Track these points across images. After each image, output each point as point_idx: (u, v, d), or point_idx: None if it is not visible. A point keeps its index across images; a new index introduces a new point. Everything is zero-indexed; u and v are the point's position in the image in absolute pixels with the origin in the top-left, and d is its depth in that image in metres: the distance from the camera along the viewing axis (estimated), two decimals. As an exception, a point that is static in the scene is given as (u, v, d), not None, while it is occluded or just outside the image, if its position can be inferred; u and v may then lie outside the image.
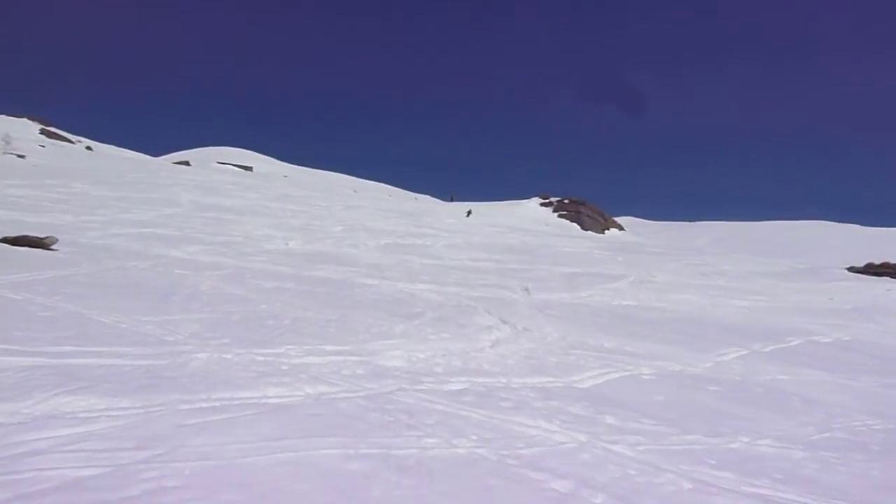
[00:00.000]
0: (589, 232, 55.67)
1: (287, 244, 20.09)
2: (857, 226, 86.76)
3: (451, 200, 58.97)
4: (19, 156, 33.11)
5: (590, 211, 61.30)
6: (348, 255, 19.57)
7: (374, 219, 32.75)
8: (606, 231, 58.94)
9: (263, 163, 68.50)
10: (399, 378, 6.78)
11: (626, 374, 8.36)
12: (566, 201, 64.89)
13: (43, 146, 42.07)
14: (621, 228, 63.46)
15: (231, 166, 60.06)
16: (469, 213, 58.25)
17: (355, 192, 53.97)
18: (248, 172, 56.60)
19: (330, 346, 7.79)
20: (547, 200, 66.65)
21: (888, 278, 26.70)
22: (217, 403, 5.40)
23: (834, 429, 6.89)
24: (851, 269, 28.91)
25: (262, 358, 6.92)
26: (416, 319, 10.51)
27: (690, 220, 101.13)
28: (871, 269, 28.35)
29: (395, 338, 8.86)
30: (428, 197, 65.57)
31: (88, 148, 49.92)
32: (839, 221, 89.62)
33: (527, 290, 16.12)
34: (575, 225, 57.85)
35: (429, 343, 8.82)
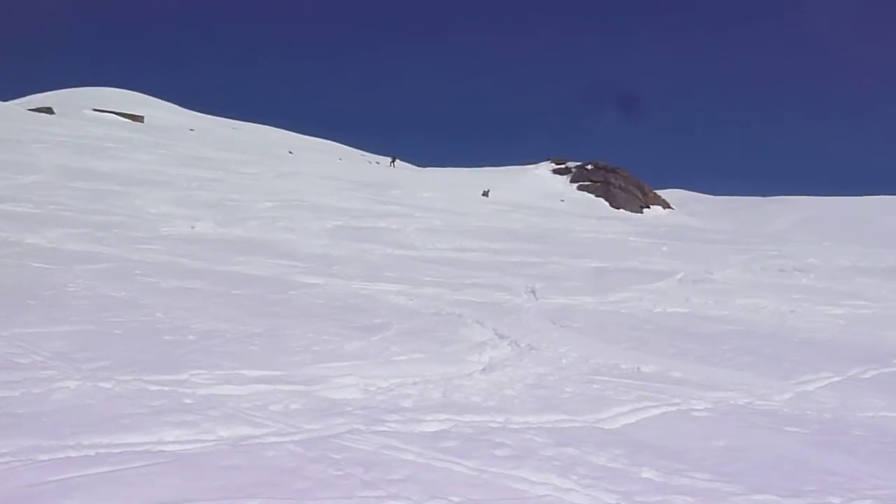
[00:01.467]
0: (622, 211, 56.05)
1: (193, 227, 19.99)
2: None
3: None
4: None
5: (623, 181, 61.61)
6: (282, 243, 19.51)
7: (319, 191, 32.71)
8: (646, 209, 59.34)
9: (159, 110, 68.09)
10: (351, 415, 6.76)
11: (672, 409, 8.38)
12: (589, 167, 65.08)
13: None
14: (667, 206, 63.89)
15: (112, 115, 59.64)
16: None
17: (292, 153, 53.79)
18: (138, 124, 56.24)
19: (254, 371, 7.74)
20: (563, 166, 66.80)
21: None
22: (91, 452, 5.34)
23: (961, 485, 6.95)
24: None
25: (156, 388, 6.86)
26: (377, 333, 10.49)
27: (764, 195, 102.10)
28: None
29: (348, 359, 8.82)
30: (398, 160, 65.41)
31: None
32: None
33: (534, 292, 16.16)
34: (602, 201, 58.22)
35: (395, 366, 8.79)
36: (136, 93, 74.93)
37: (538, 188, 58.20)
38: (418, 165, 66.81)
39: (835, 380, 10.92)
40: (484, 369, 9.25)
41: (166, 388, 6.89)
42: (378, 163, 62.47)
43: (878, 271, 26.67)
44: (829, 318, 16.91)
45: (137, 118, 59.60)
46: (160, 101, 74.61)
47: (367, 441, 6.12)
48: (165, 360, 7.79)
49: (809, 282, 22.76)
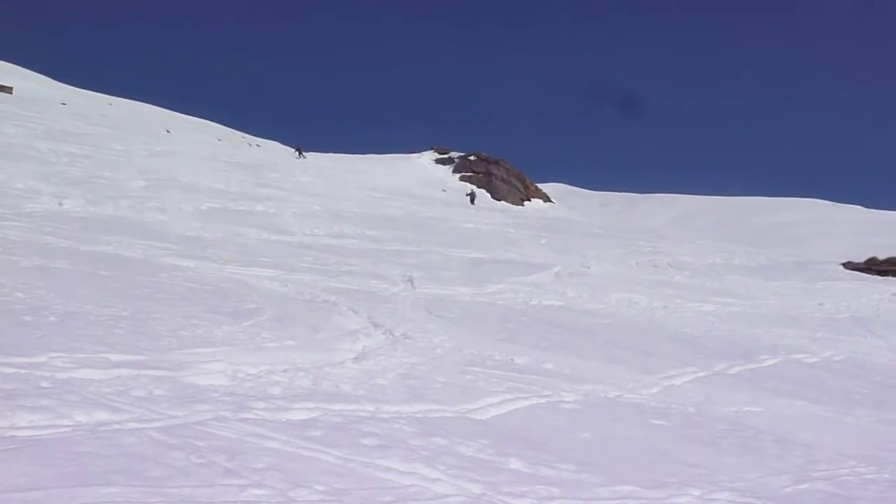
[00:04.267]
0: (502, 202, 56.63)
1: (61, 204, 19.38)
2: (860, 207, 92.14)
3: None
4: None
5: (505, 173, 62.24)
6: (153, 224, 19.09)
7: (194, 171, 32.06)
8: (527, 202, 60.11)
9: (30, 82, 65.59)
10: (217, 402, 6.66)
11: (542, 401, 8.53)
12: (472, 158, 65.52)
13: None
14: (548, 199, 64.83)
15: (-23, 85, 57.15)
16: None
17: (169, 132, 52.57)
18: (6, 94, 54.03)
19: (116, 356, 7.55)
20: (446, 156, 67.07)
21: (894, 278, 28.38)
22: (-64, 437, 5.13)
23: (814, 478, 7.25)
24: (848, 266, 30.60)
25: (11, 370, 6.63)
26: (247, 319, 10.37)
27: (642, 192, 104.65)
28: (874, 266, 30.08)
29: (216, 345, 8.70)
30: (276, 144, 64.69)
31: None
32: (836, 201, 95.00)
33: (410, 281, 16.21)
34: (483, 192, 58.68)
35: (264, 353, 8.71)
36: (4, 62, 71.95)
37: (420, 177, 58.31)
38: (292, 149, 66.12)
39: (701, 374, 11.28)
40: (356, 358, 9.24)
41: (22, 371, 6.65)
42: (259, 146, 61.43)
43: (749, 270, 27.66)
44: (699, 314, 17.46)
45: (6, 89, 57.25)
46: (31, 72, 71.88)
47: (232, 428, 6.03)
48: (22, 342, 7.52)
49: (682, 278, 23.47)
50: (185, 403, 6.51)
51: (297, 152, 55.94)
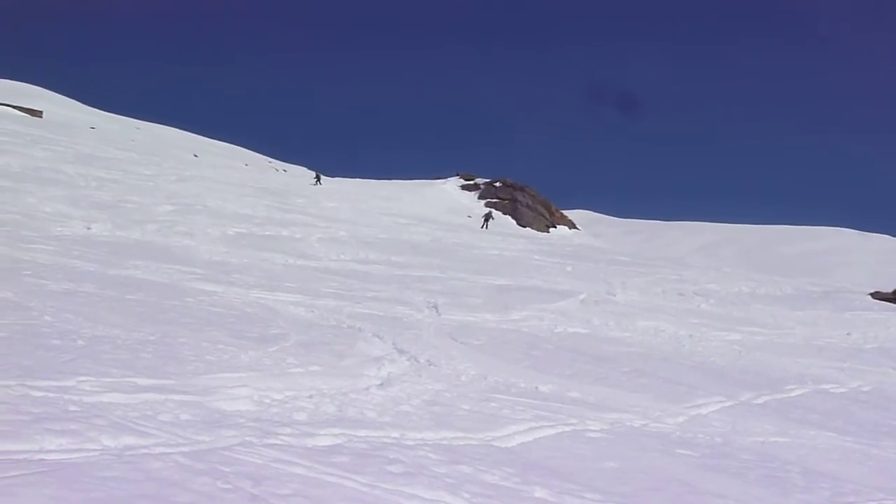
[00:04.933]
0: (527, 229, 56.63)
1: (89, 228, 19.55)
2: (887, 236, 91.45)
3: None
4: None
5: (530, 200, 62.31)
6: (180, 248, 19.21)
7: (221, 196, 32.29)
8: (552, 229, 60.10)
9: (60, 106, 66.46)
10: (243, 428, 6.68)
11: (568, 429, 8.51)
12: (497, 184, 65.67)
13: None
14: (573, 226, 64.82)
15: (9, 108, 57.93)
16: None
17: (196, 156, 53.06)
18: (36, 119, 54.73)
19: (143, 380, 7.59)
20: (471, 182, 67.28)
21: (923, 309, 28.10)
22: (-35, 459, 5.17)
23: (842, 511, 7.21)
24: (876, 296, 30.37)
25: (39, 394, 6.67)
26: (273, 344, 10.40)
27: (668, 220, 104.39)
28: (902, 296, 29.81)
29: (242, 370, 8.73)
30: (302, 169, 65.11)
31: None
32: (864, 230, 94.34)
33: (436, 307, 16.22)
34: (508, 218, 58.73)
35: (290, 378, 8.73)
36: (35, 87, 72.93)
37: (445, 203, 58.47)
38: (325, 175, 66.54)
39: (727, 404, 11.22)
40: (381, 384, 9.25)
41: (51, 395, 6.70)
42: (285, 170, 61.91)
43: (774, 299, 27.49)
44: (725, 343, 17.36)
45: (36, 113, 57.97)
46: (61, 96, 72.80)
47: (258, 454, 6.05)
48: (51, 366, 7.57)
49: (708, 307, 23.35)
50: (211, 428, 6.54)
51: (315, 178, 54.96)
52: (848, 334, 20.60)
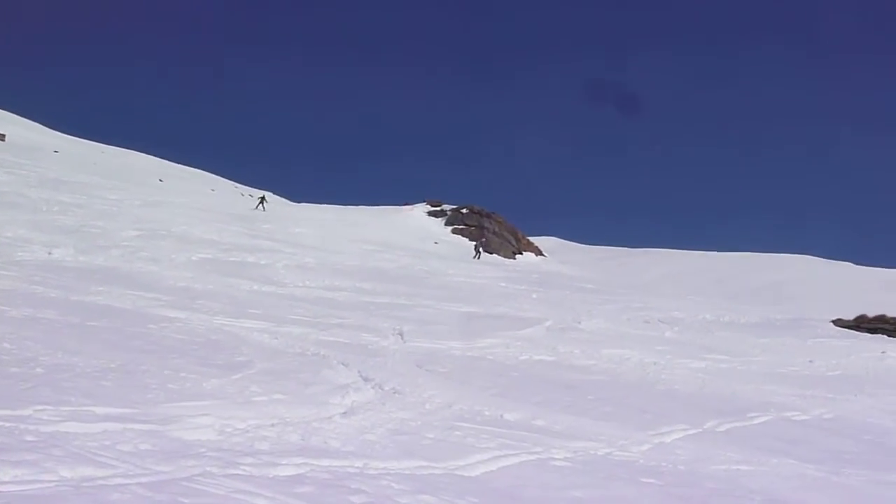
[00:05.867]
0: (495, 256, 56.66)
1: (51, 253, 19.35)
2: (850, 264, 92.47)
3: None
4: None
5: (497, 226, 62.33)
6: (145, 275, 19.05)
7: (187, 221, 32.10)
8: (519, 256, 60.15)
9: (23, 129, 65.78)
10: (205, 458, 6.61)
11: (533, 458, 8.48)
12: (465, 211, 65.78)
13: None
14: (540, 253, 64.88)
15: (-30, 132, 57.31)
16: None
17: (162, 181, 52.73)
18: (-1, 143, 54.16)
19: (103, 409, 7.51)
20: (438, 208, 67.30)
21: (884, 336, 28.45)
22: (-82, 491, 5.08)
23: (805, 540, 7.24)
24: (838, 323, 30.65)
25: (-4, 423, 6.59)
26: (237, 372, 10.32)
27: (635, 247, 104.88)
28: (864, 324, 30.15)
29: (205, 398, 8.65)
30: (269, 194, 64.86)
31: None
32: (828, 258, 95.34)
33: (402, 334, 16.18)
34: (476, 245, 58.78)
35: (253, 407, 8.66)
36: (-4, 109, 72.19)
37: (412, 229, 58.42)
38: (292, 200, 66.28)
39: (691, 432, 11.24)
40: (345, 413, 9.19)
41: (7, 424, 6.61)
42: (251, 195, 61.58)
43: (739, 326, 27.66)
44: (690, 371, 17.42)
45: (-3, 136, 57.45)
46: (24, 119, 72.11)
47: (219, 485, 5.98)
48: (9, 394, 7.48)
49: (673, 334, 23.44)
50: (172, 459, 6.46)
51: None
52: (811, 362, 20.73)
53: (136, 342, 11.28)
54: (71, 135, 69.34)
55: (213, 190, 57.77)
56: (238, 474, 6.33)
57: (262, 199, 49.61)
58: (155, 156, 68.98)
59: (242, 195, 58.87)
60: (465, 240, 58.67)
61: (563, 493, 7.40)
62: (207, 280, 19.85)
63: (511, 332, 19.01)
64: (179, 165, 68.88)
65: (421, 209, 67.36)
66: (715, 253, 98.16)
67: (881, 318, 30.70)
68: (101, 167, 49.20)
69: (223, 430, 7.58)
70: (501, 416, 10.30)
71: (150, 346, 11.15)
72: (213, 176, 69.54)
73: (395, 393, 10.67)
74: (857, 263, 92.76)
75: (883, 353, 23.71)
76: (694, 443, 10.62)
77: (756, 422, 12.77)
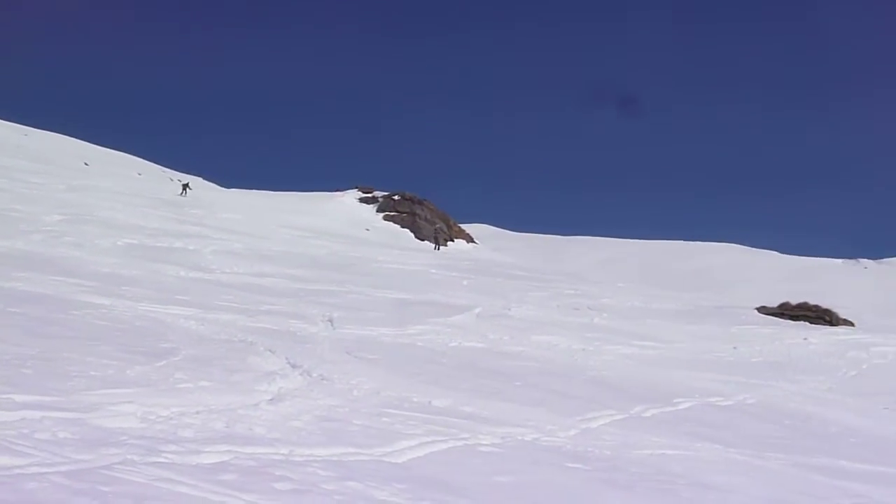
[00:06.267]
0: (426, 243, 56.72)
1: (-30, 238, 18.89)
2: (775, 253, 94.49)
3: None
4: None
5: (429, 213, 62.46)
6: (68, 260, 18.70)
7: (112, 206, 31.56)
8: (451, 242, 60.30)
9: (-58, 112, 64.07)
10: (127, 446, 6.49)
11: (460, 444, 8.49)
12: (396, 197, 65.72)
13: None
14: (471, 240, 65.08)
15: None
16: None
17: (87, 164, 51.74)
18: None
19: (21, 396, 7.33)
20: (370, 195, 67.16)
21: (806, 323, 29.18)
22: None
23: (727, 522, 7.36)
24: (762, 310, 31.30)
25: None
26: (162, 359, 10.17)
27: (566, 235, 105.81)
28: (787, 311, 30.85)
29: (128, 386, 8.50)
30: (199, 180, 64.00)
31: None
32: (754, 247, 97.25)
33: (331, 321, 16.10)
34: (407, 232, 58.75)
35: (178, 394, 8.54)
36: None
37: (343, 215, 58.19)
38: (223, 186, 65.50)
39: (618, 417, 11.38)
40: (272, 399, 9.10)
41: (-80, 413, 6.44)
42: (180, 180, 60.69)
43: (668, 314, 28.09)
44: (619, 357, 17.65)
45: (-84, 118, 55.84)
46: (-58, 101, 70.22)
47: (141, 473, 5.88)
48: (-77, 382, 7.28)
49: (602, 321, 23.72)
50: (93, 447, 6.33)
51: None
52: (735, 348, 21.15)
53: (58, 329, 11.05)
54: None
55: (140, 174, 56.82)
56: (160, 462, 6.23)
57: (186, 185, 48.65)
58: (80, 139, 67.58)
59: (171, 180, 57.95)
60: (397, 226, 58.65)
61: (489, 478, 7.42)
62: (133, 266, 19.54)
63: (441, 318, 19.05)
64: (106, 149, 67.59)
65: (352, 196, 67.14)
66: (642, 241, 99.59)
67: (804, 306, 31.45)
68: (24, 150, 48.08)
69: (146, 418, 7.45)
70: (430, 402, 10.30)
71: (73, 333, 10.93)
72: (141, 160, 68.36)
73: (323, 380, 10.62)
74: (782, 252, 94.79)
75: (805, 339, 24.31)
76: (620, 428, 10.75)
77: (681, 407, 12.99)
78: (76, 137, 68.14)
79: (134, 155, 69.89)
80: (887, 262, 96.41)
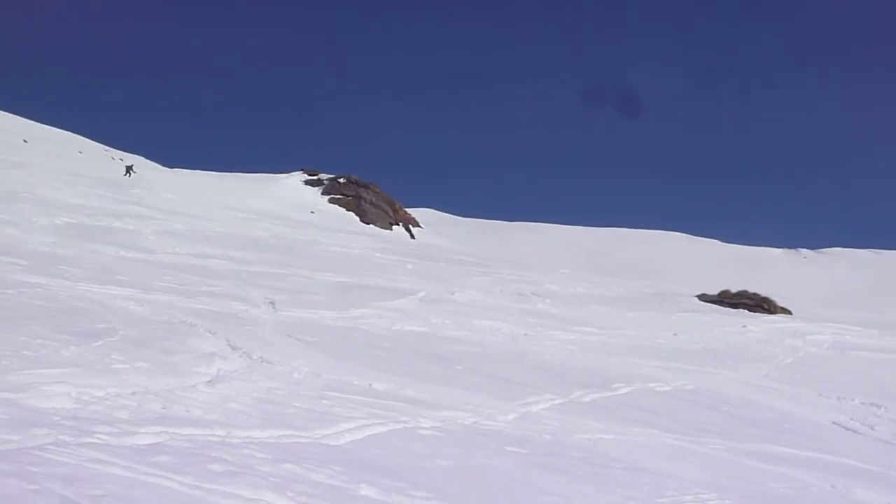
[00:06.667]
0: (371, 226, 56.61)
1: None
2: (718, 242, 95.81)
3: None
4: None
5: (374, 197, 62.31)
6: (3, 238, 18.33)
7: (51, 185, 31.00)
8: (395, 226, 60.29)
9: None
10: (58, 426, 6.37)
11: (400, 427, 8.49)
12: (342, 181, 65.48)
13: None
14: (416, 224, 65.12)
15: None
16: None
17: (26, 141, 50.77)
18: None
19: (-49, 376, 7.19)
20: (315, 178, 66.83)
21: (745, 311, 29.64)
22: None
23: (662, 506, 7.44)
24: (702, 298, 31.73)
25: None
26: (98, 339, 10.01)
27: (510, 221, 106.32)
28: (727, 299, 31.31)
29: (63, 366, 8.35)
30: (141, 159, 63.14)
31: None
32: (695, 235, 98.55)
33: (273, 304, 15.99)
34: (352, 215, 58.57)
35: (114, 375, 8.41)
36: None
37: (288, 198, 57.81)
38: (166, 165, 64.68)
39: (558, 402, 11.46)
40: (210, 381, 9.01)
41: None
42: (122, 160, 59.79)
43: (610, 300, 28.35)
44: (560, 342, 17.76)
45: None
46: None
47: (72, 454, 5.78)
48: None
49: (545, 307, 23.86)
50: (23, 427, 6.21)
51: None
52: (675, 335, 21.41)
53: (-9, 308, 10.84)
54: (-72, 91, 66.02)
55: (81, 153, 55.89)
56: (93, 443, 6.13)
57: (130, 167, 47.74)
58: (18, 115, 66.25)
59: (113, 159, 57.10)
60: (342, 210, 58.42)
61: (428, 461, 7.43)
62: (71, 245, 19.21)
63: (384, 302, 19.02)
64: (45, 126, 66.36)
65: (297, 178, 66.74)
66: (585, 228, 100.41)
67: (743, 294, 31.93)
68: (-41, 126, 47.03)
69: (80, 399, 7.32)
70: (370, 385, 10.28)
71: (6, 312, 10.70)
72: (83, 138, 67.23)
73: (263, 362, 10.53)
74: (725, 241, 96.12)
75: (744, 326, 24.70)
76: (560, 413, 10.83)
77: (620, 392, 13.13)
78: (15, 113, 66.85)
79: (75, 133, 68.75)
80: (827, 252, 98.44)
